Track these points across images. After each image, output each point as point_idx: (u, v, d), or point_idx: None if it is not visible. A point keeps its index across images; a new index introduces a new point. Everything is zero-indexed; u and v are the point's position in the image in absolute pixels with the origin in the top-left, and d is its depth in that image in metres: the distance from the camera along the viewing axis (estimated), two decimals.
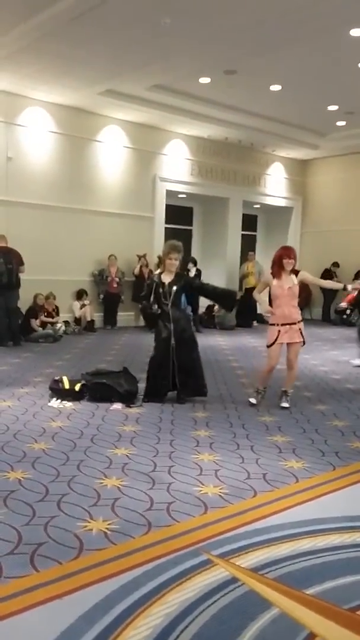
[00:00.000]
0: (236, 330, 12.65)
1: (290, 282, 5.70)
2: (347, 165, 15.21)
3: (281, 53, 8.76)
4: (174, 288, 5.84)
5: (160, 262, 8.52)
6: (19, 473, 3.68)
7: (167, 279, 5.90)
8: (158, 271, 6.55)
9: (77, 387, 5.70)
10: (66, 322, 11.11)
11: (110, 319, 12.14)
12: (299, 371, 7.39)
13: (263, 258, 14.58)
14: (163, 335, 5.84)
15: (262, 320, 12.73)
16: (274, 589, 2.47)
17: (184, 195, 14.18)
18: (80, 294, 11.66)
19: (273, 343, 5.70)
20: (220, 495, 3.43)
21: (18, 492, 3.38)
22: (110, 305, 12.10)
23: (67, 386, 5.72)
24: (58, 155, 11.43)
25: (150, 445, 4.39)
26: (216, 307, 13.21)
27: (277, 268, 5.71)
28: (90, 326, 11.55)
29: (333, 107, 11.59)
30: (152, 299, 5.85)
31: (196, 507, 3.26)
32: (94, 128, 11.91)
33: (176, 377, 5.81)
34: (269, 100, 11.11)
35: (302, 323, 5.77)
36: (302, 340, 5.74)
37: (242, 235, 14.97)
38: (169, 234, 12.98)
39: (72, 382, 5.77)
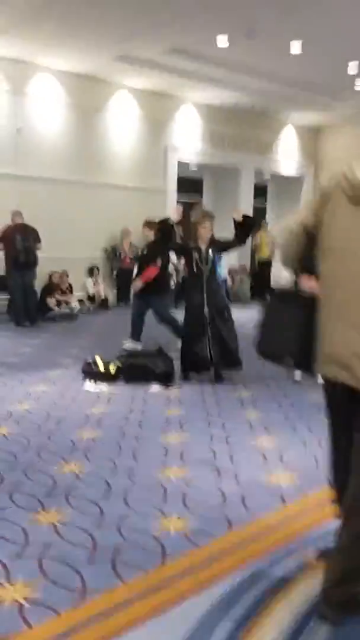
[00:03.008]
0: (252, 302, 12.28)
1: None
2: None
3: (303, 10, 8.28)
4: (210, 252, 5.59)
5: None
6: (74, 465, 3.42)
7: (202, 245, 5.64)
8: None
9: (112, 369, 5.42)
10: (80, 301, 10.78)
11: (124, 295, 11.82)
12: None
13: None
14: (195, 303, 5.56)
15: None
16: None
17: (195, 168, 13.69)
18: (91, 271, 11.32)
19: None
20: (294, 485, 3.19)
21: (79, 488, 3.12)
22: (124, 281, 11.75)
23: (102, 369, 5.43)
24: (67, 125, 10.95)
25: (199, 428, 4.16)
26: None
27: None
28: (104, 303, 11.24)
29: (354, 64, 10.99)
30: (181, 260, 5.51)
31: (272, 498, 3.02)
32: (104, 96, 11.39)
33: (211, 350, 5.52)
34: (287, 61, 10.59)
35: None
36: None
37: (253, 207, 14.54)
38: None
39: (106, 364, 5.49)
